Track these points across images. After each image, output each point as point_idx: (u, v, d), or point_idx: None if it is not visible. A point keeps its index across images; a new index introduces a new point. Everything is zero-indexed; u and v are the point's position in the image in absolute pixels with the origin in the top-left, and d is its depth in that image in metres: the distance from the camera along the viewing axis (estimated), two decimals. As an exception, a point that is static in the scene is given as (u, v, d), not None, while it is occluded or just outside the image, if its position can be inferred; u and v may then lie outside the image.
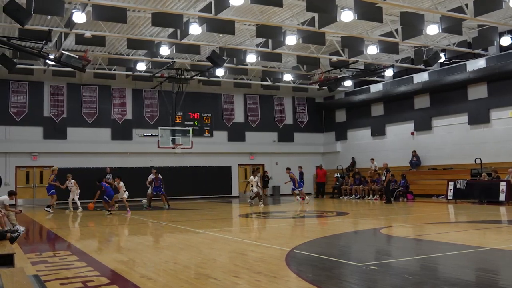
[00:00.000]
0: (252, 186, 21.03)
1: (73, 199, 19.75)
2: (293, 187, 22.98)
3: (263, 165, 29.70)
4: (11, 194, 12.00)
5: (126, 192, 18.23)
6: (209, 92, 28.43)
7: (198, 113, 28.12)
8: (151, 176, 20.63)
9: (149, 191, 20.57)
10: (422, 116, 24.98)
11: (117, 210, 18.23)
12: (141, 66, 22.67)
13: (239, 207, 21.03)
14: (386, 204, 19.94)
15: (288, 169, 23.27)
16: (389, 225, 12.79)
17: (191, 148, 24.07)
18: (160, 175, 20.66)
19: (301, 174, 24.37)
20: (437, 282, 5.94)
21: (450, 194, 19.89)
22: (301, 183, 24.02)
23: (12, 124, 24.09)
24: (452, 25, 17.26)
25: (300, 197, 23.56)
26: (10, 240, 7.73)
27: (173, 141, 23.38)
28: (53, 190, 19.38)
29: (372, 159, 26.17)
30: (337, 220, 14.32)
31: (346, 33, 18.97)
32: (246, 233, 12.21)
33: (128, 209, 17.73)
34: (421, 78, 25.04)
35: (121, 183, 18.36)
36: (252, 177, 21.39)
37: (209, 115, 28.48)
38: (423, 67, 22.93)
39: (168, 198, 25.55)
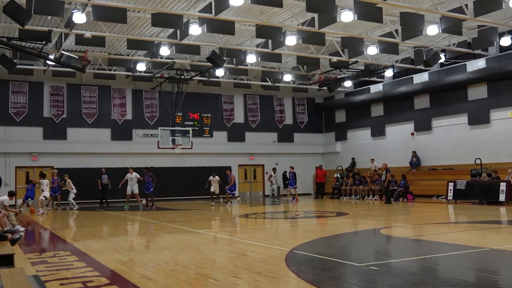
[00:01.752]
0: (211, 185, 21.46)
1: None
2: (229, 189, 21.56)
3: (263, 165, 29.72)
4: (11, 194, 12.01)
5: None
6: (209, 92, 28.43)
7: (198, 114, 28.12)
8: (130, 175, 20.78)
9: (136, 191, 20.79)
10: (422, 117, 24.99)
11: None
12: (141, 67, 22.67)
13: (238, 208, 21.03)
14: (386, 205, 19.94)
15: (229, 170, 22.53)
16: (389, 226, 12.79)
17: (191, 148, 24.08)
18: (150, 173, 21.04)
19: (294, 174, 24.45)
20: (437, 283, 5.94)
21: (450, 195, 19.89)
22: (293, 183, 24.29)
23: (12, 125, 24.09)
24: (452, 26, 17.26)
25: (293, 199, 23.69)
26: (11, 241, 7.72)
27: (173, 141, 23.38)
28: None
29: (372, 160, 26.18)
30: (337, 221, 14.32)
31: (346, 33, 18.97)
32: (246, 234, 12.21)
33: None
34: (421, 78, 25.04)
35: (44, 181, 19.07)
36: (211, 176, 21.74)
37: (209, 115, 28.48)
38: (423, 67, 22.92)
39: (168, 198, 25.68)
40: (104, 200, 23.22)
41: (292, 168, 24.80)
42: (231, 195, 21.57)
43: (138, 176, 20.84)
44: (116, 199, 23.19)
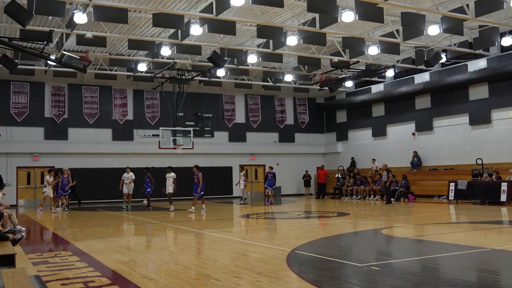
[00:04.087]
0: (168, 184, 18.63)
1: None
2: (201, 192, 17.95)
3: (264, 165, 29.70)
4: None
5: None
6: (210, 92, 28.44)
7: (199, 114, 28.14)
8: (126, 175, 20.35)
9: (131, 191, 20.41)
10: (423, 117, 24.97)
11: None
12: (142, 67, 22.68)
13: (240, 208, 21.02)
14: (386, 205, 19.90)
15: (196, 167, 18.19)
16: (390, 226, 12.78)
17: (192, 148, 24.07)
18: (148, 173, 20.42)
19: (273, 175, 22.71)
20: (438, 283, 5.94)
21: (451, 195, 19.89)
22: (272, 184, 22.48)
23: (13, 125, 24.12)
24: (453, 26, 17.26)
25: (267, 200, 22.15)
26: (12, 242, 7.72)
27: (174, 141, 23.37)
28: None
29: (373, 160, 26.17)
30: (338, 221, 14.31)
31: (347, 33, 18.97)
32: (247, 234, 12.21)
33: None
34: (422, 78, 25.04)
35: None
36: (169, 174, 18.81)
37: (210, 115, 28.49)
38: (424, 67, 22.93)
39: (175, 198, 25.61)
40: (76, 201, 22.64)
41: (271, 168, 23.13)
42: (198, 198, 18.02)
43: (133, 177, 20.53)
44: (89, 200, 23.22)
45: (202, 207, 18.13)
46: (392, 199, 20.93)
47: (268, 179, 22.67)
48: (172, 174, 18.84)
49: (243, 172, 22.98)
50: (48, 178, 19.12)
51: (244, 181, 22.49)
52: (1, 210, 10.77)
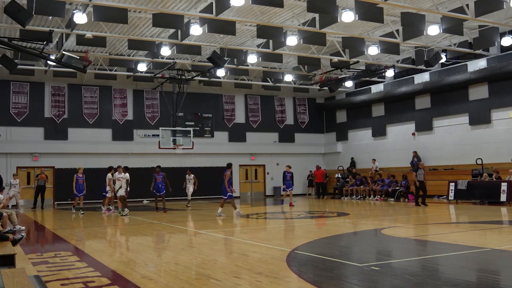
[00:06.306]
0: (120, 187, 17.05)
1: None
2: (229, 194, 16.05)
3: (264, 165, 29.71)
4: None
5: None
6: (210, 92, 28.44)
7: (199, 114, 28.15)
8: (119, 175, 17.63)
9: (122, 193, 17.52)
10: (423, 117, 24.97)
11: None
12: (142, 67, 22.68)
13: (239, 208, 21.00)
14: (416, 206, 18.37)
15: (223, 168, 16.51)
16: (390, 226, 12.78)
17: (192, 148, 24.08)
18: (163, 173, 18.93)
19: (292, 174, 21.06)
20: (438, 283, 5.94)
21: (451, 195, 19.89)
22: (291, 184, 20.82)
23: (13, 125, 24.12)
24: (453, 26, 17.26)
25: (290, 202, 20.44)
26: (12, 242, 7.72)
27: (174, 141, 23.36)
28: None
29: (373, 160, 26.16)
30: (338, 221, 14.31)
31: (347, 33, 18.97)
32: (247, 234, 12.20)
33: None
34: (422, 78, 25.03)
35: None
36: (120, 174, 17.29)
37: (210, 115, 28.49)
38: (424, 67, 22.92)
39: (169, 198, 25.56)
40: (42, 203, 22.03)
41: (290, 167, 21.24)
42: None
43: (128, 177, 17.62)
44: (89, 200, 22.89)
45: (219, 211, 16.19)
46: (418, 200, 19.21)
47: (287, 179, 20.81)
48: (126, 175, 17.15)
49: (192, 175, 21.37)
50: (110, 175, 18.33)
51: (194, 184, 21.13)
52: (4, 204, 10.80)
